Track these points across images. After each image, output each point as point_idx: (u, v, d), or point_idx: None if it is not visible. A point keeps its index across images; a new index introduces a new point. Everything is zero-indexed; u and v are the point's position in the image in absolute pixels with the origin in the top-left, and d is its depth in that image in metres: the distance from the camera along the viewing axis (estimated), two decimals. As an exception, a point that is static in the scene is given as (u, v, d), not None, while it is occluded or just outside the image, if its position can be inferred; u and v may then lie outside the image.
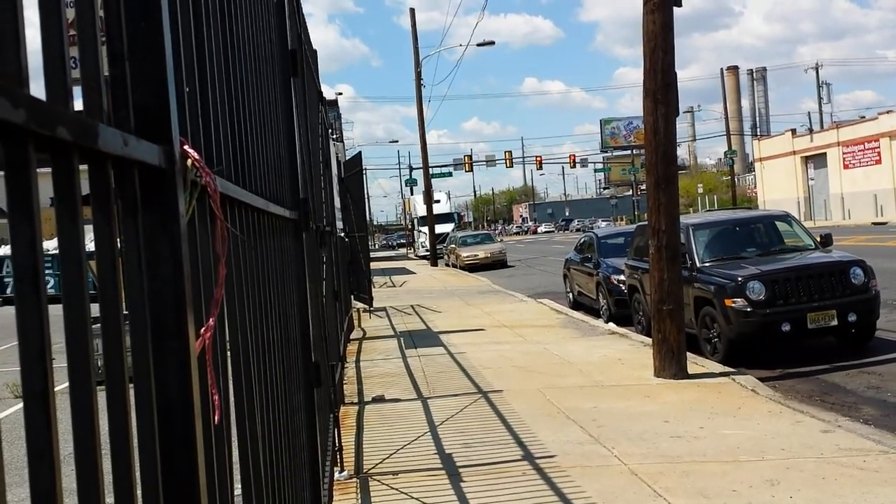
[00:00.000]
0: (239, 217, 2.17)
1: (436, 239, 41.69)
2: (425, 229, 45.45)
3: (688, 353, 9.35)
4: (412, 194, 63.33)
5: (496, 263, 35.38)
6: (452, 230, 51.13)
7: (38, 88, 0.87)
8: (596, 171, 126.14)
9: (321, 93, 9.57)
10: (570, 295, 18.59)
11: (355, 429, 7.58)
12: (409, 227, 69.79)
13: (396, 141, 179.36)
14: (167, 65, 1.27)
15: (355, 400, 8.93)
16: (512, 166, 76.68)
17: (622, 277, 14.48)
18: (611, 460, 6.15)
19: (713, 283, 10.62)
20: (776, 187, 65.72)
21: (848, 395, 8.50)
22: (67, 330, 0.95)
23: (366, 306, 17.78)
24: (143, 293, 1.21)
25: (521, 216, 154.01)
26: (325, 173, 8.33)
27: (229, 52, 2.22)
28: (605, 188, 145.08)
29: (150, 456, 1.19)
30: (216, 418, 1.54)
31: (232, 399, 2.02)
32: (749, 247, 11.81)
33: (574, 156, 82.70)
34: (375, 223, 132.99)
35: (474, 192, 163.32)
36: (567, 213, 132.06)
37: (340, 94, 67.71)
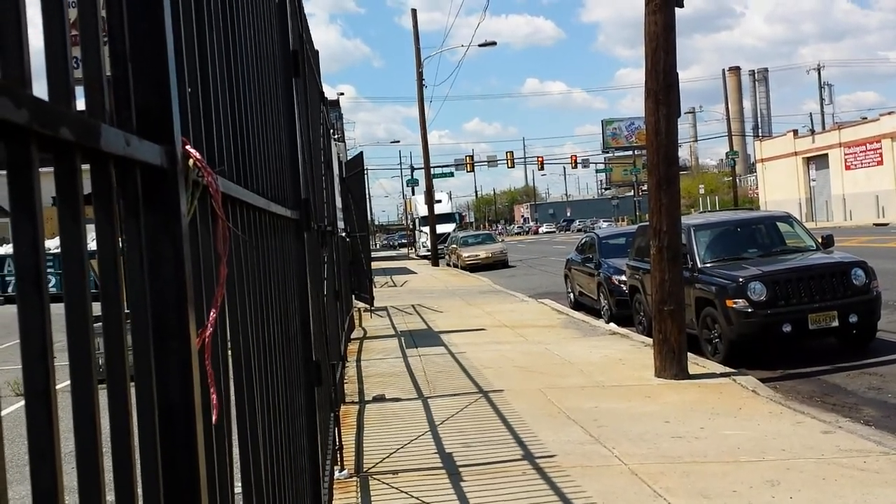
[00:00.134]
0: (240, 217, 2.17)
1: (437, 239, 41.68)
2: (426, 229, 45.44)
3: (689, 354, 9.36)
4: (413, 194, 63.42)
5: (497, 263, 35.38)
6: (454, 230, 51.12)
7: (40, 88, 0.88)
8: (597, 171, 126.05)
9: (323, 93, 9.57)
10: (571, 295, 18.59)
11: (356, 428, 7.58)
12: (411, 227, 69.82)
13: (398, 141, 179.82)
14: (169, 65, 1.28)
15: (356, 399, 8.93)
16: (513, 167, 76.74)
17: (623, 278, 14.47)
18: (611, 460, 6.15)
19: (714, 284, 10.62)
20: (778, 188, 65.70)
21: (849, 396, 8.50)
22: (69, 329, 0.95)
23: (367, 306, 17.79)
24: (144, 293, 1.21)
25: (522, 216, 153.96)
26: (326, 173, 8.34)
27: (231, 53, 2.22)
28: (606, 189, 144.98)
29: (150, 454, 1.20)
30: (214, 417, 1.55)
31: (233, 398, 2.03)
32: (750, 248, 11.80)
33: (575, 156, 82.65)
34: (377, 223, 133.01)
35: (476, 192, 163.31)
36: (568, 214, 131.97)
37: (342, 94, 67.72)
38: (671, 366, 9.06)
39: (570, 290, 18.87)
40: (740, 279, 10.27)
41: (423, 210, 49.84)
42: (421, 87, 40.50)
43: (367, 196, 32.48)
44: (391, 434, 7.28)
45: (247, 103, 2.52)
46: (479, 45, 38.14)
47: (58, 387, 0.86)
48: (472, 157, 76.26)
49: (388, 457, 6.55)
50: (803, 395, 8.59)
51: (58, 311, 0.89)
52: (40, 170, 0.85)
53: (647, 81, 9.43)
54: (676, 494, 5.33)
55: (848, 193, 57.43)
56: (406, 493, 5.65)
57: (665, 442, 6.55)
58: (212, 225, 1.65)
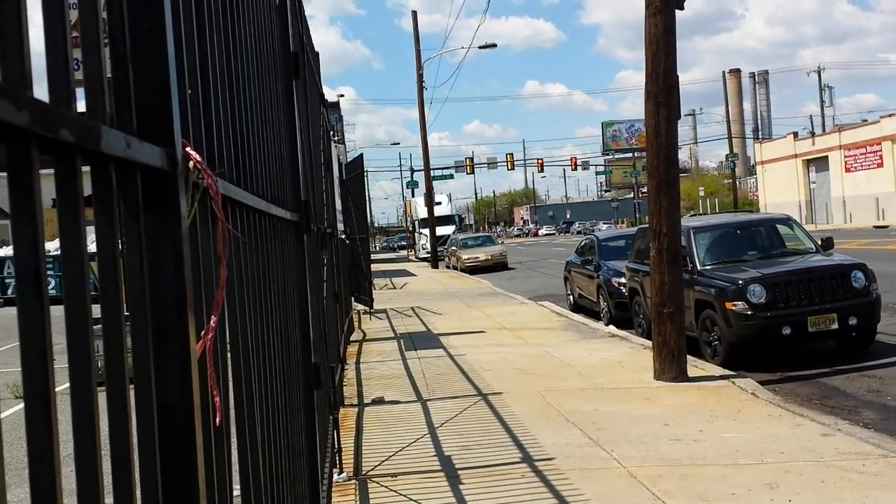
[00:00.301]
0: (240, 219, 2.17)
1: (436, 241, 41.68)
2: (426, 231, 45.43)
3: (688, 356, 9.35)
4: (413, 196, 63.39)
5: (497, 266, 35.40)
6: (453, 232, 51.19)
7: (41, 90, 0.88)
8: (597, 173, 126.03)
9: (323, 95, 9.57)
10: (571, 297, 18.60)
11: (354, 430, 7.58)
12: (410, 229, 69.82)
13: (398, 143, 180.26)
14: (170, 67, 1.28)
15: (355, 402, 8.93)
16: (513, 169, 76.72)
17: (623, 280, 14.48)
18: (610, 463, 6.15)
19: (714, 286, 10.62)
20: (778, 190, 65.74)
21: (848, 399, 8.49)
22: (69, 331, 0.95)
23: (366, 308, 17.78)
24: (144, 295, 1.21)
25: (522, 218, 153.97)
26: (326, 175, 8.34)
27: (231, 55, 2.23)
28: (606, 191, 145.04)
29: (149, 457, 1.20)
30: (218, 420, 1.54)
31: (232, 401, 2.03)
32: (750, 250, 11.81)
33: (575, 158, 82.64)
34: (376, 225, 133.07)
35: (475, 194, 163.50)
36: (568, 216, 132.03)
37: (342, 96, 67.75)
38: (670, 368, 9.06)
39: (569, 292, 18.88)
40: (740, 281, 10.27)
41: (422, 212, 49.85)
42: (421, 88, 40.50)
43: (367, 198, 32.49)
44: (390, 437, 7.28)
45: (247, 105, 2.53)
46: (480, 47, 38.14)
47: (57, 389, 0.86)
48: (471, 159, 76.27)
49: (386, 459, 6.54)
50: (802, 397, 8.59)
51: (57, 313, 0.89)
52: (40, 171, 0.85)
53: (647, 84, 9.43)
54: (675, 497, 5.32)
55: (848, 196, 57.47)
56: (405, 495, 5.65)
57: (664, 444, 6.54)
58: (212, 227, 1.65)
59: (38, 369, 0.83)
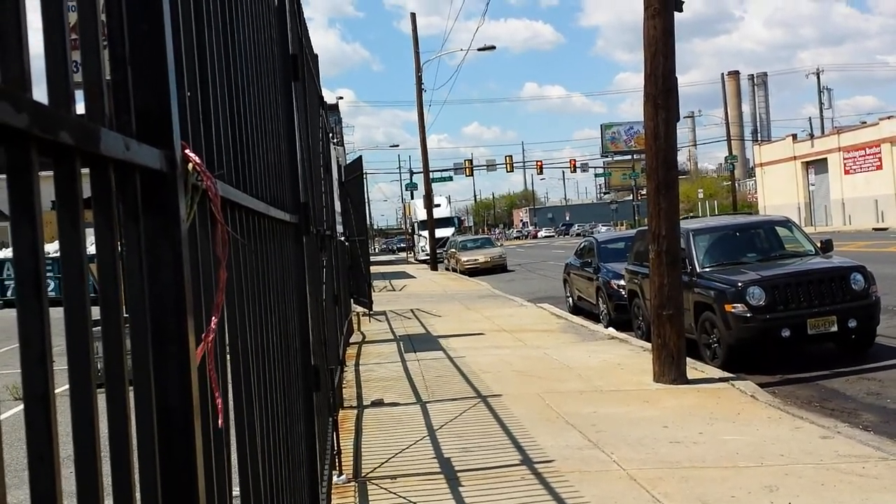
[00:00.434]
0: (240, 221, 2.17)
1: (436, 243, 41.70)
2: (425, 233, 45.44)
3: (687, 359, 9.35)
4: (412, 198, 63.43)
5: (496, 268, 35.40)
6: (452, 234, 51.18)
7: (39, 92, 0.88)
8: (596, 175, 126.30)
9: (322, 97, 9.58)
10: (570, 300, 18.60)
11: (354, 433, 7.58)
12: (410, 231, 69.83)
13: (397, 145, 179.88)
14: (169, 69, 1.28)
15: (354, 404, 8.92)
16: (512, 171, 76.82)
17: (622, 282, 14.48)
18: (610, 465, 6.15)
19: (713, 289, 10.62)
20: (777, 192, 65.76)
21: (848, 402, 8.49)
22: (68, 333, 0.95)
23: (365, 310, 17.77)
24: (143, 297, 1.21)
25: (521, 221, 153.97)
26: (325, 177, 8.34)
27: (230, 56, 2.23)
28: (605, 193, 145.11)
29: (149, 459, 1.20)
30: (220, 422, 1.54)
31: (231, 403, 2.03)
32: (749, 252, 11.81)
33: (574, 160, 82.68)
34: (376, 227, 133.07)
35: (475, 196, 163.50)
36: (567, 218, 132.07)
37: (341, 98, 67.75)
38: (670, 371, 9.06)
39: (568, 294, 18.88)
40: (739, 284, 10.27)
41: (422, 214, 49.87)
42: (420, 91, 40.52)
43: (366, 200, 32.49)
44: (389, 439, 7.28)
45: (246, 107, 2.53)
46: (479, 49, 38.20)
47: (57, 391, 0.86)
48: (471, 161, 76.28)
49: (386, 461, 6.54)
50: (802, 400, 8.59)
51: (57, 315, 0.89)
52: (40, 173, 0.85)
53: (646, 86, 9.44)
54: (675, 499, 5.32)
55: (847, 198, 57.49)
56: (404, 497, 5.65)
57: (663, 447, 6.54)
58: (211, 229, 1.65)
59: (37, 371, 0.83)
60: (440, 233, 47.16)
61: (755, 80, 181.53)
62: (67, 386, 0.94)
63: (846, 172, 57.74)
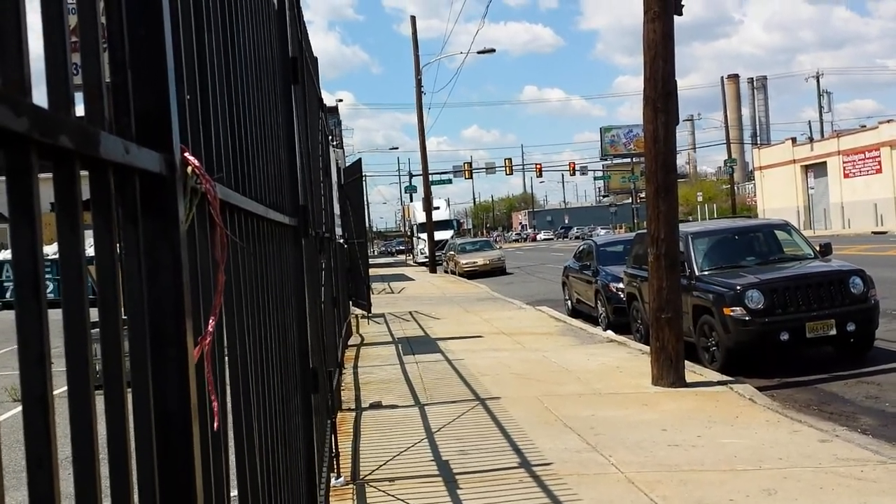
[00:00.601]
0: (238, 224, 2.17)
1: (435, 246, 41.71)
2: (424, 236, 45.47)
3: (686, 362, 9.35)
4: (411, 201, 63.46)
5: (495, 270, 35.40)
6: (451, 237, 51.17)
7: (39, 94, 0.88)
8: (595, 178, 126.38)
9: (321, 100, 9.59)
10: (569, 302, 18.60)
11: (352, 435, 7.57)
12: (409, 233, 69.80)
13: (396, 148, 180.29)
14: (168, 72, 1.28)
15: (352, 406, 8.92)
16: (511, 174, 76.82)
17: (621, 285, 14.48)
18: (608, 468, 6.15)
19: (712, 292, 10.63)
20: (776, 196, 65.78)
21: (846, 405, 8.50)
22: (67, 334, 0.95)
23: (364, 312, 17.78)
24: (142, 300, 1.22)
25: (520, 223, 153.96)
26: (324, 180, 8.35)
27: (230, 60, 2.23)
28: (604, 196, 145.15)
29: (147, 460, 1.20)
30: (216, 425, 1.55)
31: (229, 405, 2.03)
32: (748, 256, 11.82)
33: (574, 163, 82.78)
34: (375, 230, 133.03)
35: (474, 199, 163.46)
36: (566, 221, 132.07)
37: (340, 100, 67.78)
38: (668, 374, 9.06)
39: (567, 297, 18.88)
40: (738, 287, 10.27)
41: (421, 217, 49.88)
42: (419, 93, 40.55)
43: (366, 203, 32.50)
44: (388, 441, 7.27)
45: (246, 110, 2.53)
46: (478, 52, 38.26)
47: (55, 392, 0.86)
48: (470, 163, 76.32)
49: (384, 464, 6.54)
50: (801, 403, 8.59)
51: (56, 316, 0.90)
52: (39, 175, 0.85)
53: (645, 89, 9.45)
54: (673, 503, 5.32)
55: (846, 201, 57.51)
56: (403, 500, 5.65)
57: (662, 450, 6.54)
58: (210, 232, 1.65)
59: (36, 373, 0.84)
60: (439, 235, 47.20)
61: (755, 83, 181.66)
62: (66, 388, 0.94)
63: (845, 176, 57.77)
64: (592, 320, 16.19)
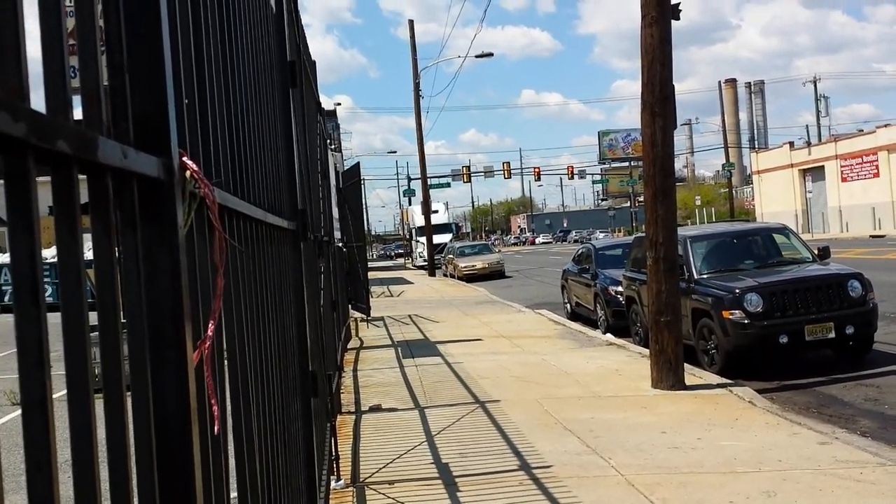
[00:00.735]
0: (237, 228, 2.17)
1: (434, 249, 41.71)
2: (423, 239, 45.47)
3: (685, 365, 9.35)
4: (410, 205, 63.44)
5: (494, 274, 35.39)
6: (450, 241, 51.18)
7: (37, 97, 0.89)
8: (594, 182, 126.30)
9: (320, 103, 9.59)
10: (568, 306, 18.60)
11: (352, 438, 7.57)
12: (407, 237, 69.81)
13: (395, 152, 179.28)
14: (166, 76, 1.28)
15: (352, 409, 8.91)
16: (510, 177, 76.81)
17: (620, 289, 14.49)
18: (608, 471, 6.14)
19: (711, 295, 10.63)
20: (774, 200, 65.82)
21: (845, 408, 8.50)
22: (66, 338, 0.96)
23: (363, 316, 17.77)
24: (141, 304, 1.22)
25: (519, 227, 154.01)
26: (323, 183, 8.35)
27: (228, 64, 2.23)
28: (603, 200, 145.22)
29: (146, 464, 1.20)
30: (216, 429, 1.55)
31: (229, 408, 2.03)
32: (747, 259, 11.82)
33: (572, 167, 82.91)
34: (373, 233, 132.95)
35: (472, 202, 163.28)
36: (565, 225, 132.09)
37: (339, 104, 67.75)
38: (668, 377, 9.06)
39: (566, 300, 18.88)
40: (737, 290, 10.27)
41: (419, 220, 49.88)
42: (418, 97, 40.58)
43: (364, 206, 32.49)
44: (387, 444, 7.27)
45: (244, 114, 2.53)
46: (476, 56, 38.27)
47: (54, 396, 0.86)
48: (468, 167, 76.47)
49: (384, 467, 6.53)
50: (800, 406, 8.59)
51: (54, 320, 0.90)
52: (37, 179, 0.86)
53: (643, 93, 9.46)
54: (673, 505, 5.32)
55: (844, 205, 57.54)
56: (402, 503, 5.64)
57: (661, 453, 6.54)
58: (209, 236, 1.65)
59: (35, 376, 0.84)
60: (438, 239, 47.19)
61: (752, 87, 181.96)
62: (65, 391, 0.94)
63: (843, 180, 57.80)
64: (591, 323, 16.19)
